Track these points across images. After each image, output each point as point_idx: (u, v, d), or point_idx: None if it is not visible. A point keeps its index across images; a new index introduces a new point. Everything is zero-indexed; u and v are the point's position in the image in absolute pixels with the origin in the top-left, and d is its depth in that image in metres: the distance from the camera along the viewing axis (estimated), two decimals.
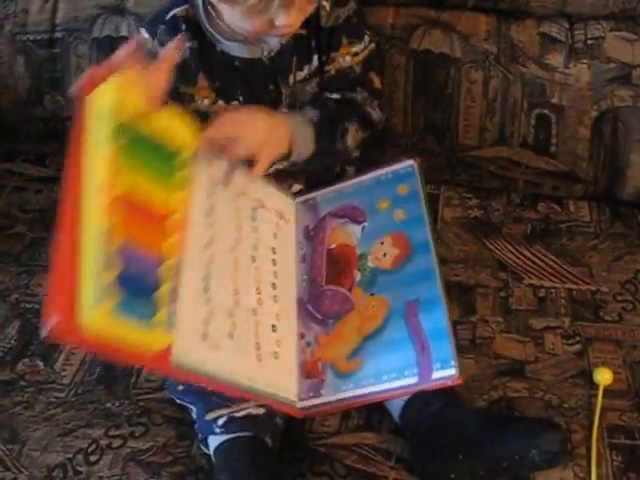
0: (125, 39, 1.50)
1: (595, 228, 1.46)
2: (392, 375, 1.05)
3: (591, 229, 1.46)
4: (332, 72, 1.26)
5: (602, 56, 1.43)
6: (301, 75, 1.25)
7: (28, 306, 1.33)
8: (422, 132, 1.47)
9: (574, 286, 1.34)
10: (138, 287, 0.92)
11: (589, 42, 1.43)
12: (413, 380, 1.04)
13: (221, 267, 1.08)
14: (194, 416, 1.13)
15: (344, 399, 1.07)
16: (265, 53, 1.23)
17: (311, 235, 1.24)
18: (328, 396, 1.07)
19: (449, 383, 1.04)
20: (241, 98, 1.25)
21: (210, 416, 1.09)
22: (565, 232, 1.45)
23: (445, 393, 1.10)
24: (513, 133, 1.47)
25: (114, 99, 0.98)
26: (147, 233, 0.97)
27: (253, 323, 1.09)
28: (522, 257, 1.40)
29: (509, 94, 1.45)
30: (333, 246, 1.23)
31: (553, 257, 1.39)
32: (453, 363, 1.03)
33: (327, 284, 1.18)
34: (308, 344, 1.13)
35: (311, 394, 1.07)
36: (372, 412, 1.16)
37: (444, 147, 1.50)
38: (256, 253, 1.16)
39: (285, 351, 1.10)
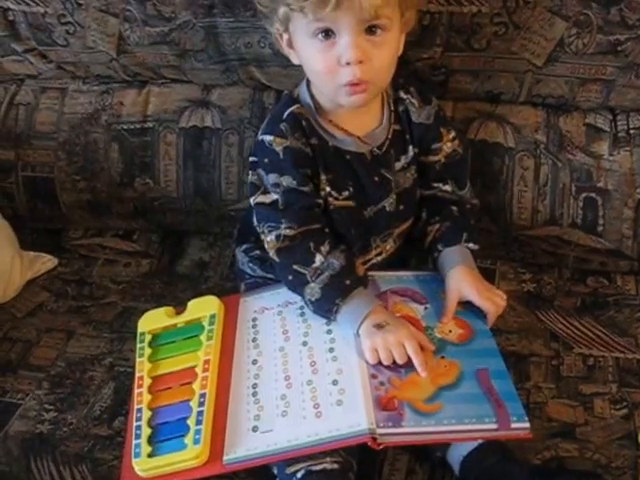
0: (209, 129, 1.60)
1: None
2: (473, 420, 1.11)
3: (637, 302, 1.49)
4: (442, 160, 1.37)
5: None
6: (399, 165, 1.34)
7: (121, 369, 1.39)
8: (479, 213, 1.47)
9: (621, 355, 1.37)
10: (169, 429, 1.20)
11: (631, 131, 1.49)
12: (493, 426, 1.11)
13: (269, 371, 1.25)
14: (275, 471, 1.18)
15: (424, 432, 1.12)
16: (371, 148, 1.31)
17: None
18: (409, 427, 1.12)
19: (521, 435, 1.12)
20: (351, 189, 1.31)
21: (290, 470, 1.13)
22: (613, 305, 1.48)
23: (500, 450, 1.16)
24: (563, 214, 1.51)
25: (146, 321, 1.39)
26: (175, 390, 1.26)
27: (309, 392, 1.19)
28: (572, 328, 1.43)
29: (559, 179, 1.50)
30: (398, 314, 1.28)
31: (601, 328, 1.43)
32: (527, 419, 1.12)
33: None
34: (382, 384, 1.17)
35: (390, 424, 1.11)
36: (435, 468, 1.21)
37: (499, 226, 1.54)
38: (307, 338, 1.28)
39: (351, 394, 1.16)
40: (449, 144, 1.38)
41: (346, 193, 1.31)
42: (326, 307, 1.25)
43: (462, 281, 1.29)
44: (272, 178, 1.29)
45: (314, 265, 1.26)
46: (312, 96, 1.31)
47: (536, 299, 1.51)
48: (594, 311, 1.47)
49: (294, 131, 1.28)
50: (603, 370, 1.36)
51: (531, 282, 1.55)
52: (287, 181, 1.28)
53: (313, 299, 1.26)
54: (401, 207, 1.36)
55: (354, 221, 1.34)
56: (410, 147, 1.35)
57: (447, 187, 1.39)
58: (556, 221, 1.53)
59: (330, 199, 1.31)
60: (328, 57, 1.20)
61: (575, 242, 1.53)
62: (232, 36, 1.51)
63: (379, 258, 1.38)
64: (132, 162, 1.66)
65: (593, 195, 1.50)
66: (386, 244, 1.38)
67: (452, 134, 1.39)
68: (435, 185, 1.39)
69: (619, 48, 1.41)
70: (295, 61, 1.28)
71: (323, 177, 1.30)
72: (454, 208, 1.37)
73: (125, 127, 1.66)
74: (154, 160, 1.65)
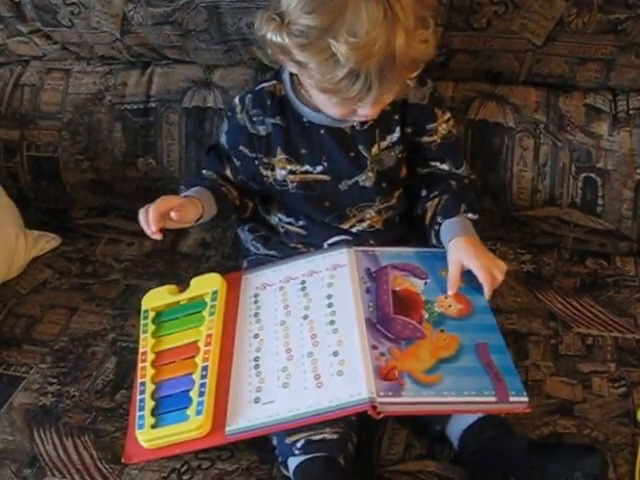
0: (211, 110, 1.62)
1: None
2: (472, 392, 1.13)
3: (636, 283, 1.49)
4: (438, 141, 1.39)
5: None
6: (384, 144, 1.35)
7: (124, 345, 1.41)
8: (479, 193, 1.49)
9: (620, 334, 1.38)
10: (172, 402, 1.22)
11: (631, 112, 1.50)
12: (492, 399, 1.13)
13: (271, 345, 1.26)
14: (274, 442, 1.19)
15: (424, 402, 1.14)
16: (351, 125, 1.32)
17: (373, 275, 1.32)
18: (409, 397, 1.13)
19: (520, 409, 1.14)
20: (325, 164, 1.34)
21: (290, 440, 1.16)
22: (612, 285, 1.49)
23: (499, 424, 1.18)
24: (562, 195, 1.52)
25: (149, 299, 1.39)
26: (178, 364, 1.28)
27: (310, 364, 1.20)
28: (571, 308, 1.44)
29: (558, 159, 1.51)
30: (398, 288, 1.31)
31: (600, 308, 1.43)
32: (525, 393, 1.14)
33: (395, 315, 1.26)
34: (382, 354, 1.19)
35: (390, 393, 1.13)
36: (434, 442, 1.22)
37: (499, 207, 1.55)
38: (308, 312, 1.29)
39: (352, 365, 1.17)
40: (444, 125, 1.39)
41: (320, 168, 1.35)
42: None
43: (463, 251, 1.30)
44: (222, 125, 1.43)
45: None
46: (293, 80, 1.32)
47: (535, 279, 1.51)
48: (593, 291, 1.48)
49: (253, 106, 1.35)
50: (602, 349, 1.36)
51: (530, 263, 1.55)
52: (223, 139, 1.42)
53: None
54: (384, 185, 1.38)
55: (329, 194, 1.37)
56: (398, 127, 1.35)
57: (444, 166, 1.40)
58: (555, 201, 1.53)
59: (291, 176, 1.36)
60: (344, 109, 1.23)
61: (574, 223, 1.54)
62: (235, 16, 1.51)
63: (364, 224, 1.40)
64: (135, 142, 1.67)
65: (593, 175, 1.51)
66: (364, 212, 1.39)
67: (447, 115, 1.40)
68: (432, 164, 1.41)
69: (619, 27, 1.41)
70: (293, 70, 1.27)
71: (282, 156, 1.35)
72: (452, 182, 1.38)
73: (128, 107, 1.67)
74: (157, 140, 1.66)
